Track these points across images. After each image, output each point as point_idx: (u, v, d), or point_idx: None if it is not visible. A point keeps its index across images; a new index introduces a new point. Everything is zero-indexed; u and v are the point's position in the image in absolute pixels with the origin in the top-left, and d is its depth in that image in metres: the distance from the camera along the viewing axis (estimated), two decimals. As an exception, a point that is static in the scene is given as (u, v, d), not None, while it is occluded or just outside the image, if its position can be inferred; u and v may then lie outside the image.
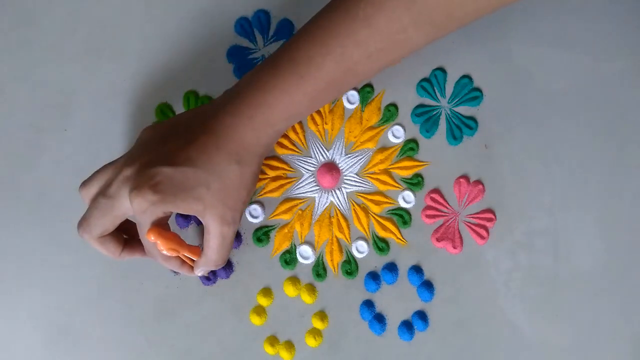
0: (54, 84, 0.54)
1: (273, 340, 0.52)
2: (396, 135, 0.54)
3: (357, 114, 0.54)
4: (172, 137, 0.47)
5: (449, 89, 0.54)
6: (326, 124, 0.54)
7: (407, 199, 0.53)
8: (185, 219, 0.53)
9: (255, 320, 0.52)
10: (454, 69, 0.54)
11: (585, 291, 0.53)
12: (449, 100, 0.54)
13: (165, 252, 0.46)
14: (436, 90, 0.54)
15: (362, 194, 0.53)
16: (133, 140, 0.53)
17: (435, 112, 0.54)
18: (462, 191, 0.53)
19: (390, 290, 0.53)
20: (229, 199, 0.46)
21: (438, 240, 0.53)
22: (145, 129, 0.48)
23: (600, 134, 0.54)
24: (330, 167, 0.53)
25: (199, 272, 0.49)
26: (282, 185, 0.53)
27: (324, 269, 0.53)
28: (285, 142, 0.54)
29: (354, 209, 0.53)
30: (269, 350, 0.52)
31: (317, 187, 0.53)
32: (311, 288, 0.53)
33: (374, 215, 0.53)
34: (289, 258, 0.53)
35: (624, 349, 0.53)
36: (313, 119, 0.54)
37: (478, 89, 0.54)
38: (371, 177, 0.54)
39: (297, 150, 0.54)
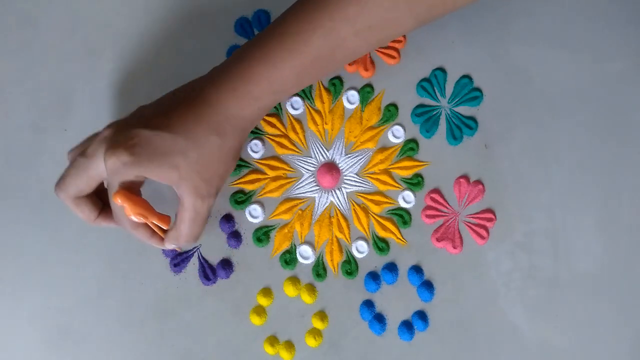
0: (54, 84, 0.54)
1: (273, 340, 0.52)
2: (396, 135, 0.54)
3: (357, 114, 0.54)
4: (155, 106, 0.47)
5: (449, 89, 0.54)
6: (326, 124, 0.54)
7: (407, 199, 0.53)
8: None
9: (255, 320, 0.52)
10: (454, 69, 0.54)
11: (585, 291, 0.53)
12: (449, 100, 0.54)
13: (133, 218, 0.45)
14: (436, 90, 0.54)
15: (362, 194, 0.53)
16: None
17: (435, 112, 0.54)
18: (462, 191, 0.53)
19: (390, 290, 0.53)
20: (205, 171, 0.45)
21: (438, 240, 0.53)
22: (139, 106, 0.48)
23: (600, 134, 0.54)
24: (330, 167, 0.53)
25: (169, 245, 0.48)
26: (282, 185, 0.53)
27: (324, 269, 0.53)
28: (285, 142, 0.54)
29: (354, 209, 0.53)
30: (269, 350, 0.52)
31: (317, 187, 0.53)
32: (311, 288, 0.53)
33: (374, 215, 0.53)
34: (289, 258, 0.53)
35: (623, 349, 0.53)
36: (313, 119, 0.54)
37: (478, 89, 0.54)
38: (371, 177, 0.54)
39: (297, 150, 0.54)
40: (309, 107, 0.54)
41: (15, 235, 0.53)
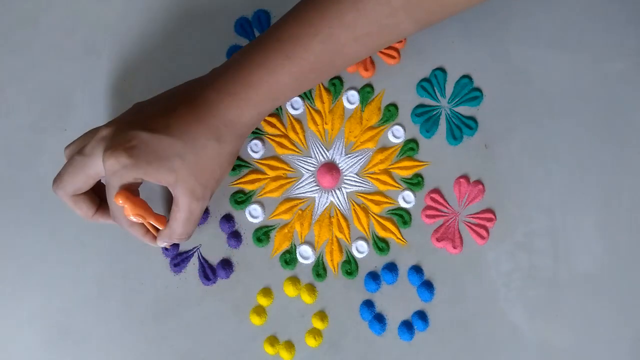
0: (54, 84, 0.54)
1: (273, 340, 0.52)
2: (396, 135, 0.54)
3: (357, 114, 0.54)
4: (154, 105, 0.47)
5: (449, 89, 0.54)
6: (326, 124, 0.54)
7: (407, 199, 0.53)
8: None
9: (255, 320, 0.52)
10: (454, 69, 0.54)
11: (585, 292, 0.53)
12: (449, 100, 0.54)
13: (132, 217, 0.46)
14: (436, 90, 0.54)
15: (362, 194, 0.53)
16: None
17: (435, 112, 0.54)
18: (462, 191, 0.53)
19: (390, 290, 0.53)
20: (202, 174, 0.46)
21: (438, 240, 0.53)
22: (135, 103, 0.48)
23: (600, 134, 0.54)
24: (330, 167, 0.53)
25: (162, 242, 0.49)
26: (282, 185, 0.53)
27: (324, 269, 0.53)
28: (285, 142, 0.54)
29: (354, 209, 0.53)
30: (269, 350, 0.52)
31: (317, 187, 0.53)
32: (311, 288, 0.53)
33: (374, 215, 0.53)
34: (289, 258, 0.53)
35: (623, 350, 0.53)
36: (313, 119, 0.54)
37: (478, 89, 0.54)
38: (371, 177, 0.54)
39: (297, 150, 0.54)
40: (309, 107, 0.54)
41: (15, 235, 0.53)
